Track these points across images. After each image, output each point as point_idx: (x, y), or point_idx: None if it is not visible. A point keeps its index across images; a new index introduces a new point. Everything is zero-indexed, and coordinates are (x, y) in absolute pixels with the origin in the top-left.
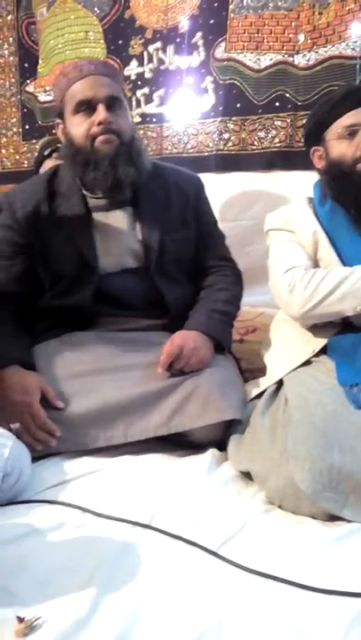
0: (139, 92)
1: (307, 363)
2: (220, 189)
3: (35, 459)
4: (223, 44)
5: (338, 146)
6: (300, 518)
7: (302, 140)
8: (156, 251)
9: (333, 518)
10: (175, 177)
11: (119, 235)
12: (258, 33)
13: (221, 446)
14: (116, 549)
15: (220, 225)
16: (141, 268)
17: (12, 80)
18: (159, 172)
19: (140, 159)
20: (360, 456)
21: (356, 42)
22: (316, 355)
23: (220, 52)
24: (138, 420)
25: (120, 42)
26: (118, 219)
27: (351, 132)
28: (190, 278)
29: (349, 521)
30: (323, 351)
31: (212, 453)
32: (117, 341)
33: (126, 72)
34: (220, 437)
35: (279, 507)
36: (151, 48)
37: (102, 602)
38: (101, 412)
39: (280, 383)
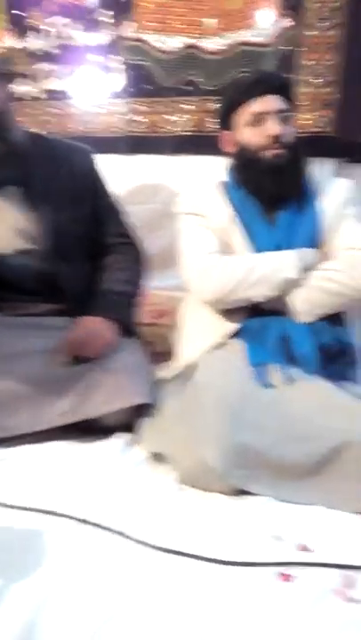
0: (40, 67)
1: (217, 345)
2: (129, 172)
3: None
4: (132, 24)
5: (246, 132)
6: (210, 495)
7: (212, 125)
8: (47, 230)
9: (242, 493)
10: (65, 151)
11: (4, 215)
12: (167, 15)
13: (132, 429)
14: (21, 538)
15: (130, 208)
16: (36, 249)
17: None
18: (47, 146)
19: (7, 132)
20: (268, 433)
21: (264, 30)
22: (227, 338)
23: (128, 31)
24: (42, 408)
25: (22, 13)
26: (1, 198)
27: (258, 120)
28: (90, 258)
29: (257, 495)
30: (233, 334)
31: (122, 437)
32: (16, 327)
33: (27, 45)
34: (130, 421)
35: (192, 486)
36: (56, 22)
37: (7, 592)
38: (3, 400)
39: (191, 366)
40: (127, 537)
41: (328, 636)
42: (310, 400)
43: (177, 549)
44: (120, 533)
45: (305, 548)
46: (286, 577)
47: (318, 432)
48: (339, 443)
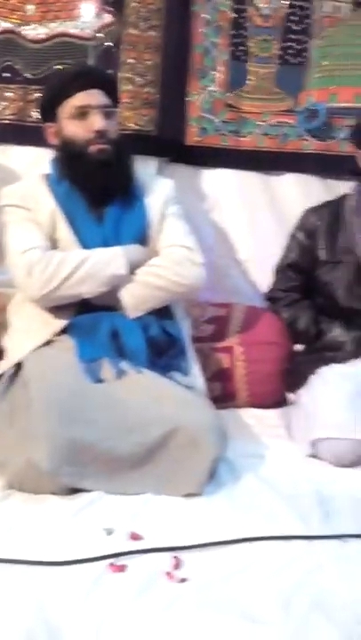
0: None
1: (47, 343)
2: None
3: None
4: None
5: (70, 125)
6: (40, 497)
7: (35, 116)
8: None
9: (74, 491)
10: None
11: None
12: None
13: None
14: None
15: None
16: None
17: None
18: None
19: None
20: (99, 427)
21: (85, 23)
22: (57, 335)
23: None
24: None
25: None
26: None
27: (82, 113)
28: None
29: (89, 491)
30: (63, 331)
31: None
32: None
33: None
34: None
35: (20, 490)
36: None
37: None
38: None
39: (19, 365)
40: None
41: (158, 619)
42: (140, 392)
43: (6, 557)
44: None
45: (136, 537)
46: (118, 568)
47: (148, 422)
48: (167, 430)
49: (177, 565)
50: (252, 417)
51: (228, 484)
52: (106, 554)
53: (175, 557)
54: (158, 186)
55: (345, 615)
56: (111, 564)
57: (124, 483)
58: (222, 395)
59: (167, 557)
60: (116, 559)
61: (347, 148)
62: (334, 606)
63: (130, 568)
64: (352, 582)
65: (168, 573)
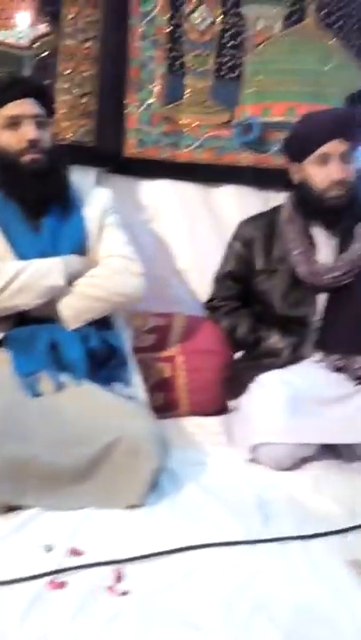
0: None
1: None
2: None
3: None
4: None
5: (3, 135)
6: None
7: None
8: None
9: (12, 509)
10: None
11: None
12: None
13: None
14: None
15: None
16: None
17: None
18: None
19: None
20: (38, 442)
21: (21, 32)
22: None
23: None
24: None
25: None
26: None
27: (15, 123)
28: None
29: (28, 508)
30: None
31: None
32: None
33: None
34: None
35: None
36: None
37: None
38: None
39: None
40: None
41: (99, 634)
42: (80, 404)
43: None
44: None
45: (76, 552)
46: (57, 585)
47: (88, 434)
48: (108, 441)
49: (118, 579)
50: (194, 425)
51: (170, 494)
52: (44, 571)
53: (116, 571)
54: (96, 196)
55: (286, 617)
56: (51, 582)
57: (66, 497)
58: (164, 404)
59: (108, 571)
60: (55, 576)
61: (280, 161)
62: (276, 609)
63: (70, 584)
64: (293, 584)
65: (109, 587)
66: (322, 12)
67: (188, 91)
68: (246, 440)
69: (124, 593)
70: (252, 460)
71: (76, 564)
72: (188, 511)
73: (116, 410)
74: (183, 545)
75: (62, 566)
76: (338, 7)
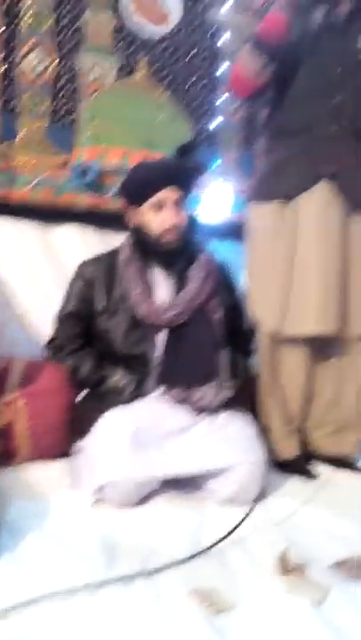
0: None
1: None
2: None
3: None
4: None
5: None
6: None
7: None
8: None
9: None
10: None
11: None
12: None
13: None
14: None
15: None
16: None
17: None
18: None
19: None
20: None
21: None
22: None
23: None
24: None
25: None
26: None
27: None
28: None
29: None
30: None
31: None
32: None
33: None
34: None
35: None
36: None
37: None
38: None
39: None
40: None
41: None
42: None
43: None
44: None
45: None
46: None
47: None
48: None
49: None
50: (37, 471)
51: (9, 548)
52: None
53: None
54: None
55: None
56: None
57: None
58: (4, 453)
59: None
60: None
61: (118, 204)
62: None
63: None
64: (137, 622)
65: None
66: (153, 68)
67: (24, 130)
68: (91, 481)
69: None
70: (98, 502)
71: None
72: (30, 564)
73: None
74: (23, 600)
75: None
76: (167, 64)
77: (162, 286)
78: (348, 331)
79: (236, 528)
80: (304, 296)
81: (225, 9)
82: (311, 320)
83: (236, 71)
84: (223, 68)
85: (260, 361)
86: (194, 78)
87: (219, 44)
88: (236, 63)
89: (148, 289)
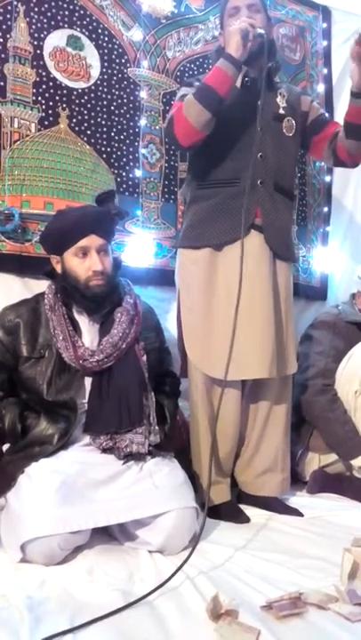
0: None
1: None
2: None
3: None
4: None
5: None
6: None
7: None
8: None
9: None
10: None
11: None
12: None
13: None
14: None
15: None
16: None
17: None
18: None
19: None
20: None
21: None
22: None
23: None
24: None
25: None
26: None
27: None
28: None
29: None
30: None
31: None
32: None
33: None
34: None
35: None
36: None
37: None
38: None
39: None
40: None
41: None
42: None
43: None
44: None
45: None
46: None
47: None
48: None
49: None
50: None
51: None
52: None
53: None
54: None
55: None
56: None
57: None
58: None
59: None
60: None
61: (42, 251)
62: None
63: None
64: None
65: None
66: (73, 120)
67: None
68: (15, 539)
69: None
70: (23, 561)
71: None
72: None
73: None
74: None
75: None
76: (87, 117)
77: (87, 331)
78: (281, 372)
79: (168, 580)
80: (243, 341)
81: (143, 67)
82: (253, 365)
83: (181, 121)
84: (143, 121)
85: (191, 404)
86: (114, 130)
87: (139, 97)
88: (179, 113)
89: (73, 334)
